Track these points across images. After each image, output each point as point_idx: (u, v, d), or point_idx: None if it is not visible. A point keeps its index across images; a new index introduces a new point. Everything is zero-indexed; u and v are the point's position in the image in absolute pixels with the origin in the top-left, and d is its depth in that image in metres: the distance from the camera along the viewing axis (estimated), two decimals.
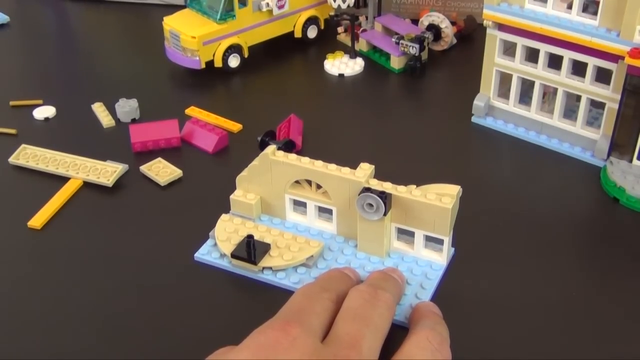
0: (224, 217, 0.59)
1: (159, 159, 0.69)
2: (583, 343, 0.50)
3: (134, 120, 0.76)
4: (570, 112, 0.70)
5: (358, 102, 0.81)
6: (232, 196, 0.60)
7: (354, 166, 0.55)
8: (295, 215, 0.60)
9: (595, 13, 0.63)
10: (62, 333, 0.51)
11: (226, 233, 0.57)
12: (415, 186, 0.54)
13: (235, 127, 0.75)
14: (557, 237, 0.59)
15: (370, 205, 0.53)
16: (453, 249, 0.57)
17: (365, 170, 0.55)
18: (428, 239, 0.55)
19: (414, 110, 0.80)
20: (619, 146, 0.65)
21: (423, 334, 0.45)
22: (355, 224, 0.56)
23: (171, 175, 0.67)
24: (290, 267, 0.55)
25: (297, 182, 0.58)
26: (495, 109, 0.74)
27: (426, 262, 0.56)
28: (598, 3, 0.62)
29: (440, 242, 0.55)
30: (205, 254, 0.57)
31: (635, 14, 0.60)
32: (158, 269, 0.57)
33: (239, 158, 0.65)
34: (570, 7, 0.65)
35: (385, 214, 0.53)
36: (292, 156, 0.56)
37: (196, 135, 0.72)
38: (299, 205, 0.59)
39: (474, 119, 0.75)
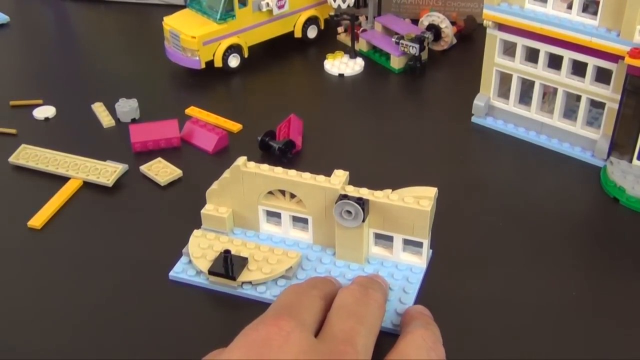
0: (196, 232, 0.58)
1: (159, 159, 0.69)
2: (582, 343, 0.50)
3: (134, 120, 0.76)
4: (570, 112, 0.70)
5: (358, 102, 0.81)
6: (202, 211, 0.58)
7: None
8: (269, 226, 0.59)
9: (595, 13, 0.63)
10: (61, 333, 0.51)
11: (200, 249, 0.56)
12: (391, 190, 0.53)
13: (235, 127, 0.75)
14: (557, 237, 0.59)
15: (349, 212, 0.52)
16: (431, 251, 0.56)
17: (340, 177, 0.54)
18: (405, 242, 0.55)
19: (414, 110, 0.80)
20: (619, 146, 0.65)
21: (418, 333, 0.45)
22: (332, 232, 0.55)
23: (171, 175, 0.67)
24: (270, 280, 0.54)
25: (270, 192, 0.57)
26: (495, 109, 0.74)
27: (406, 266, 0.55)
28: (598, 3, 0.62)
29: (417, 244, 0.54)
30: (180, 272, 0.55)
31: (635, 14, 0.60)
32: (156, 270, 0.56)
33: None
34: (570, 7, 0.65)
35: (363, 220, 0.52)
36: (265, 167, 0.55)
37: (196, 135, 0.72)
38: (272, 215, 0.58)
39: (474, 119, 0.75)
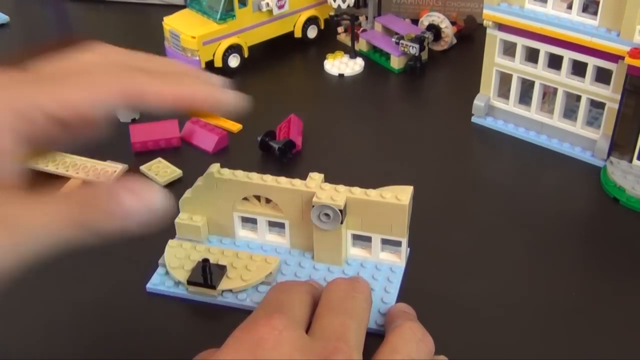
0: (171, 242, 0.56)
1: (159, 158, 0.69)
2: (581, 343, 0.50)
3: (134, 120, 0.76)
4: (570, 112, 0.70)
5: (358, 102, 0.81)
6: (176, 220, 0.57)
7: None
8: (245, 232, 0.58)
9: (595, 13, 0.63)
10: (60, 334, 0.51)
11: (177, 260, 0.55)
12: (366, 190, 0.53)
13: (235, 127, 0.75)
14: (557, 237, 0.59)
15: (327, 215, 0.52)
16: (409, 249, 0.56)
17: (315, 180, 0.53)
18: (383, 242, 0.55)
19: (414, 110, 0.80)
20: (619, 146, 0.65)
21: (406, 326, 0.45)
22: (309, 235, 0.54)
23: (171, 175, 0.67)
24: (251, 287, 0.53)
25: (245, 198, 0.56)
26: (496, 109, 0.74)
27: (386, 265, 0.55)
28: (598, 3, 0.62)
29: (395, 243, 0.54)
30: (157, 283, 0.54)
31: (635, 14, 0.60)
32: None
33: (239, 158, 0.65)
34: (570, 7, 0.65)
35: (342, 222, 0.52)
36: (239, 173, 0.54)
37: (196, 135, 0.72)
38: (247, 221, 0.57)
39: (474, 119, 0.75)
